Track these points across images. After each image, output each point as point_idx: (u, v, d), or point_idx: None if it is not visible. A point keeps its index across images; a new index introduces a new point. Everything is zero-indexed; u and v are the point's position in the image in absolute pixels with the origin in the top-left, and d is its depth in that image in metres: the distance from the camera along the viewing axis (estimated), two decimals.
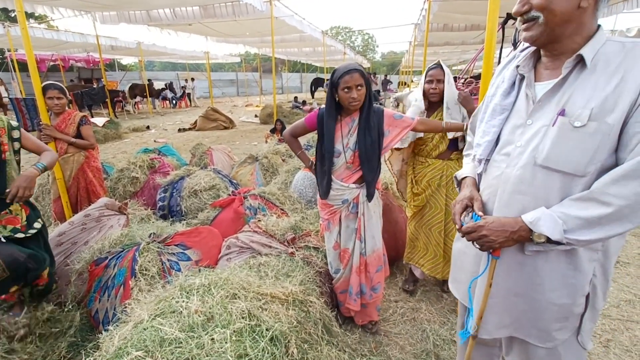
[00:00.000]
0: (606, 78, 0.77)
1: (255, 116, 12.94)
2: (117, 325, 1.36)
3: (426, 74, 2.08)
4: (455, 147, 2.09)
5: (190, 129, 10.45)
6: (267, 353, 1.15)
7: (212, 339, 1.13)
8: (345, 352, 1.61)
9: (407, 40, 14.54)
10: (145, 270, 1.93)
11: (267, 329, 1.24)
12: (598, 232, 0.77)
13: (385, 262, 2.00)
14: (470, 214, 0.96)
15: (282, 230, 2.26)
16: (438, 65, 2.05)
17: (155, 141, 8.35)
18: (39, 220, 1.92)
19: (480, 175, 1.06)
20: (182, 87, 18.88)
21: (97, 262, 2.02)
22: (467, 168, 1.17)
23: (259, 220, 2.45)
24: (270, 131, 6.90)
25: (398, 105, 9.44)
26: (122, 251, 2.10)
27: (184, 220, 3.03)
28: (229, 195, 3.10)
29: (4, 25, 9.16)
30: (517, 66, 0.94)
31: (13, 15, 17.76)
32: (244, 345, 1.15)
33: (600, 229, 0.76)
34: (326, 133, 1.69)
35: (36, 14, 7.64)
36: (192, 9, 7.12)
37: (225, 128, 10.51)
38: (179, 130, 10.31)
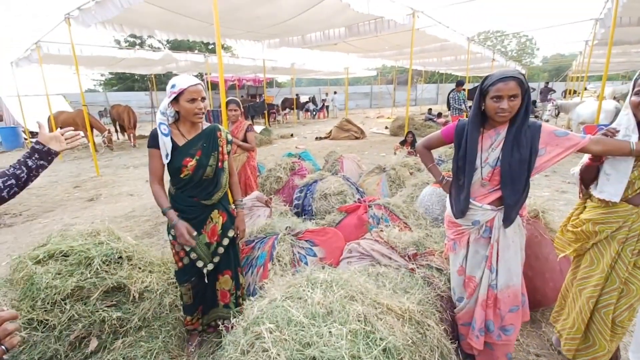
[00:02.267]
0: None
1: (386, 127, 13.07)
2: (256, 298, 1.64)
3: (635, 82, 1.48)
4: None
5: (325, 137, 11.43)
6: None
7: (330, 332, 1.22)
8: None
9: (582, 39, 11.82)
10: (280, 257, 2.24)
11: (381, 339, 1.25)
12: None
13: (525, 304, 1.69)
14: None
15: (403, 244, 2.22)
16: None
17: (296, 147, 9.51)
18: (232, 228, 1.95)
19: None
20: (323, 100, 20.85)
21: (247, 243, 2.46)
22: None
23: (381, 230, 2.47)
24: (400, 143, 6.84)
25: (558, 114, 7.68)
26: (265, 237, 2.49)
27: (314, 219, 3.35)
28: (355, 202, 3.25)
29: (205, 56, 12.30)
30: None
31: (210, 47, 23.54)
32: (357, 347, 1.19)
33: None
34: (469, 143, 1.55)
35: (225, 45, 9.93)
36: (338, 30, 7.82)
37: (357, 138, 11.01)
38: (316, 138, 11.41)
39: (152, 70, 14.38)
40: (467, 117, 1.73)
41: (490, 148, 1.54)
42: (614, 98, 11.73)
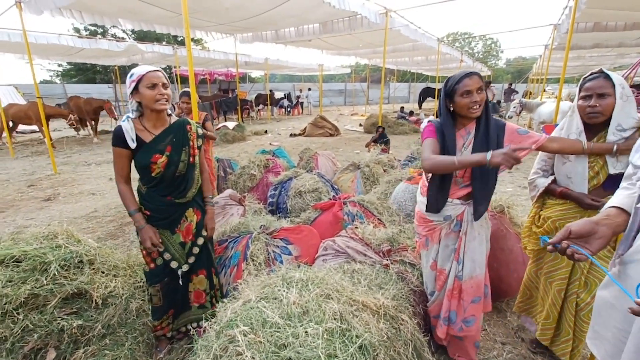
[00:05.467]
0: None
1: (360, 125, 13.21)
2: (230, 300, 1.59)
3: (581, 87, 1.55)
4: (613, 189, 1.52)
5: (300, 134, 11.37)
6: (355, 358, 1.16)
7: (306, 332, 1.21)
8: None
9: (542, 43, 12.56)
10: (255, 257, 2.19)
11: (357, 336, 1.25)
12: None
13: (487, 295, 1.76)
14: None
15: (378, 241, 2.25)
16: (600, 75, 1.49)
17: (270, 144, 9.38)
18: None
19: None
20: (297, 96, 20.71)
21: (220, 243, 2.38)
22: (618, 197, 0.95)
23: (356, 227, 2.49)
24: (372, 140, 6.95)
25: (521, 112, 8.09)
26: (239, 237, 2.43)
27: (289, 217, 3.32)
28: (330, 199, 3.25)
29: (174, 48, 11.79)
30: None
31: (179, 39, 22.57)
32: (334, 346, 1.18)
33: None
34: (449, 143, 1.56)
35: (195, 38, 9.57)
36: (312, 26, 7.78)
37: (331, 135, 11.04)
38: (290, 135, 11.33)
39: (115, 61, 13.59)
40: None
41: (463, 147, 1.58)
42: (570, 99, 12.61)
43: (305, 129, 11.50)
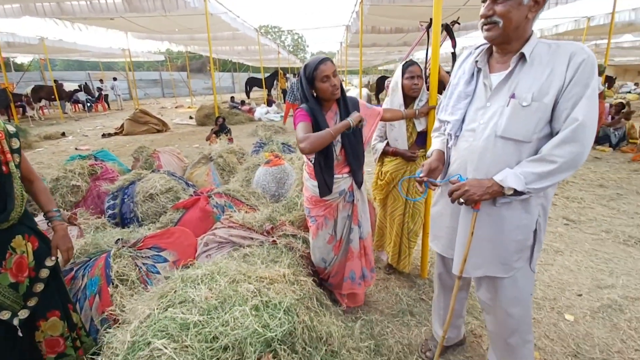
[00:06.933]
0: (541, 70, 1.07)
1: (191, 117, 12.29)
2: (114, 328, 1.34)
3: (405, 70, 2.07)
4: (423, 144, 2.16)
5: (116, 133, 9.51)
6: (286, 322, 1.26)
7: (234, 316, 1.21)
8: (338, 318, 1.79)
9: (337, 40, 15.18)
10: (123, 275, 1.85)
11: (279, 302, 1.35)
12: (548, 182, 1.07)
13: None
14: (456, 176, 1.20)
15: (259, 222, 2.34)
16: (414, 62, 2.07)
17: (76, 149, 7.44)
18: (53, 257, 1.44)
19: (450, 149, 1.32)
20: (99, 88, 16.92)
21: (64, 274, 1.85)
22: (436, 143, 1.44)
23: (231, 216, 2.48)
24: (213, 132, 6.70)
25: None
26: (89, 260, 1.96)
27: (143, 225, 2.88)
28: (191, 196, 3.03)
29: None
30: (476, 61, 1.22)
31: None
32: (263, 317, 1.24)
33: (549, 179, 1.06)
34: (322, 125, 1.67)
35: None
36: (113, 2, 6.51)
37: (158, 131, 9.81)
38: (103, 135, 9.31)
39: None
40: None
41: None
42: (366, 86, 15.97)
43: (122, 126, 9.70)
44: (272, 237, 2.20)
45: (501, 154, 1.14)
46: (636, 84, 14.64)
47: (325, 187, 1.76)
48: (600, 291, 2.27)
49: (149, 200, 3.10)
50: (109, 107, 17.38)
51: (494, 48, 1.20)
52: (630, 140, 6.30)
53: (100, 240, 2.14)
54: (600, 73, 7.10)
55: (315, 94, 1.75)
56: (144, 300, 1.44)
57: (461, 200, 1.16)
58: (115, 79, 17.69)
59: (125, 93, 21.07)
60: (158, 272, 2.03)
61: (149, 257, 2.09)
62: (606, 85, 8.23)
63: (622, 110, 6.77)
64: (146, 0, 6.50)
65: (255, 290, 1.38)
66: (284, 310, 1.33)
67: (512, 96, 1.10)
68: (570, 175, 1.10)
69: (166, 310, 1.28)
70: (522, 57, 1.11)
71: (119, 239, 2.12)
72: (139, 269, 1.97)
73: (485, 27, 1.11)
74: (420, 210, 2.24)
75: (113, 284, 1.81)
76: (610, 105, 7.05)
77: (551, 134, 1.09)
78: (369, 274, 2.02)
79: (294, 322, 1.31)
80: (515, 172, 1.09)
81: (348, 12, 8.11)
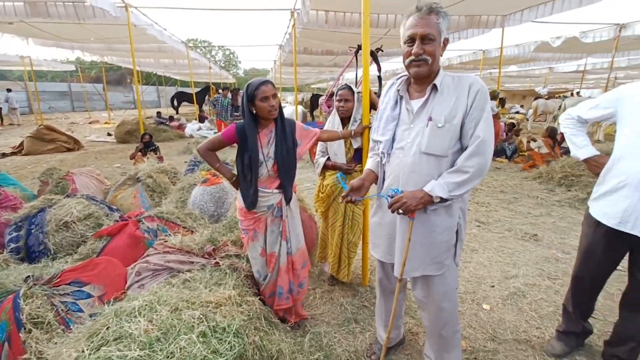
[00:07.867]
0: (449, 98, 1.30)
1: (109, 134, 11.12)
2: None
3: (337, 94, 2.30)
4: (359, 160, 2.32)
5: (14, 153, 8.14)
6: (236, 344, 1.24)
7: (180, 345, 1.15)
8: (287, 335, 1.79)
9: (270, 59, 15.40)
10: (37, 317, 1.60)
11: (228, 325, 1.32)
12: (465, 188, 1.27)
13: (308, 257, 2.18)
14: (393, 191, 1.35)
15: (199, 245, 2.23)
16: (346, 87, 2.27)
17: None
18: None
19: (384, 165, 1.48)
20: None
21: None
22: (369, 163, 1.60)
23: (166, 241, 2.33)
24: (139, 150, 6.17)
25: None
26: None
27: (57, 258, 2.51)
28: (117, 221, 2.75)
29: None
30: (398, 90, 1.41)
31: None
32: (212, 344, 1.21)
33: (465, 186, 1.27)
34: (251, 145, 1.76)
35: None
36: (12, 5, 5.70)
37: (70, 150, 8.65)
38: None
39: None
40: (234, 121, 1.95)
41: (269, 144, 1.85)
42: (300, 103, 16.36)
43: (21, 145, 8.33)
44: (215, 258, 2.12)
45: (426, 167, 1.33)
46: (521, 106, 17.75)
47: (248, 199, 1.84)
48: (508, 281, 2.68)
49: (63, 229, 2.73)
50: (2, 122, 14.79)
51: (412, 80, 1.40)
52: (520, 153, 7.59)
53: (3, 279, 1.81)
54: (495, 97, 8.46)
55: (254, 112, 1.82)
56: (69, 342, 1.28)
57: (400, 210, 1.30)
58: (9, 90, 15.16)
59: (23, 106, 18.15)
60: (80, 310, 1.80)
61: (68, 294, 1.85)
62: (500, 107, 9.86)
63: (513, 128, 8.22)
64: (54, 5, 5.82)
65: (200, 316, 1.32)
66: (233, 333, 1.31)
67: (430, 119, 1.30)
68: (479, 182, 1.33)
69: (99, 350, 1.15)
70: (435, 87, 1.32)
71: (28, 276, 1.84)
72: (56, 309, 1.73)
73: (415, 63, 1.30)
74: (359, 222, 2.40)
75: (25, 328, 1.56)
76: (505, 124, 8.44)
77: (462, 149, 1.31)
78: (296, 289, 2.07)
79: (245, 344, 1.29)
80: (439, 182, 1.28)
81: (281, 32, 8.37)
